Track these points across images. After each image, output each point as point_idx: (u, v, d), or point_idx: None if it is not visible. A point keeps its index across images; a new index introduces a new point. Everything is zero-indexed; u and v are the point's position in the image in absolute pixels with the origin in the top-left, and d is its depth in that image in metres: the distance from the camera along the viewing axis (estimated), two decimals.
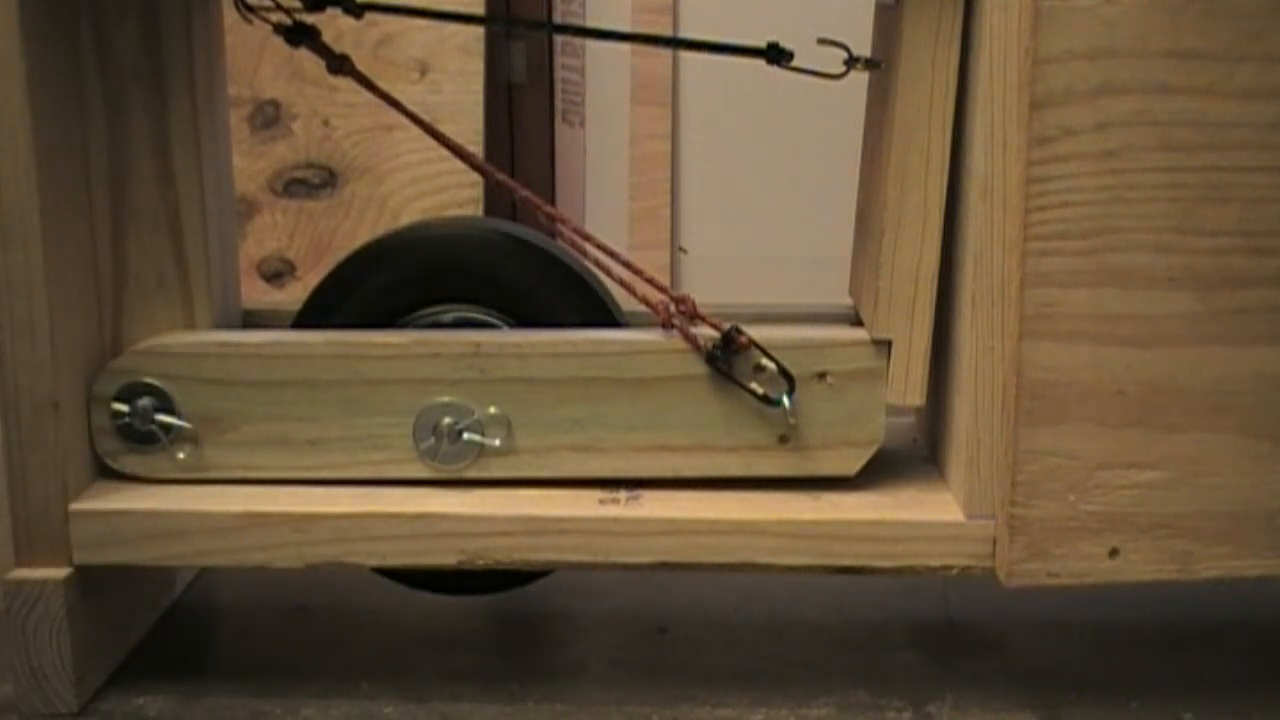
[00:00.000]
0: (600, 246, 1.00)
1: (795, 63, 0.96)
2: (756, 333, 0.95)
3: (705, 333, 0.96)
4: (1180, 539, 0.92)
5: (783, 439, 0.96)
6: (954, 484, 0.96)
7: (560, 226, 1.02)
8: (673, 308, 0.96)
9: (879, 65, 0.96)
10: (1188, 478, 0.91)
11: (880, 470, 1.02)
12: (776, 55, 0.96)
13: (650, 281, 0.99)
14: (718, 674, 1.02)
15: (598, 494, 0.96)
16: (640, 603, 1.13)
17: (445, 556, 0.94)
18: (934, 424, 1.03)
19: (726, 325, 0.95)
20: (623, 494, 0.96)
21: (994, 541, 0.92)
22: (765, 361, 0.95)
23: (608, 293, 1.03)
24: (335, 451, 0.97)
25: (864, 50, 0.98)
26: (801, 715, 0.96)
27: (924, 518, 0.94)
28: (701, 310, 0.96)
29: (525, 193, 1.01)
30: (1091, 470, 0.91)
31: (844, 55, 0.94)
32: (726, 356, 0.94)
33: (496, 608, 1.13)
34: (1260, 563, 0.92)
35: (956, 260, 0.93)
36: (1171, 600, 1.12)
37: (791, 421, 0.96)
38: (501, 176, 1.01)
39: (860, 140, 1.07)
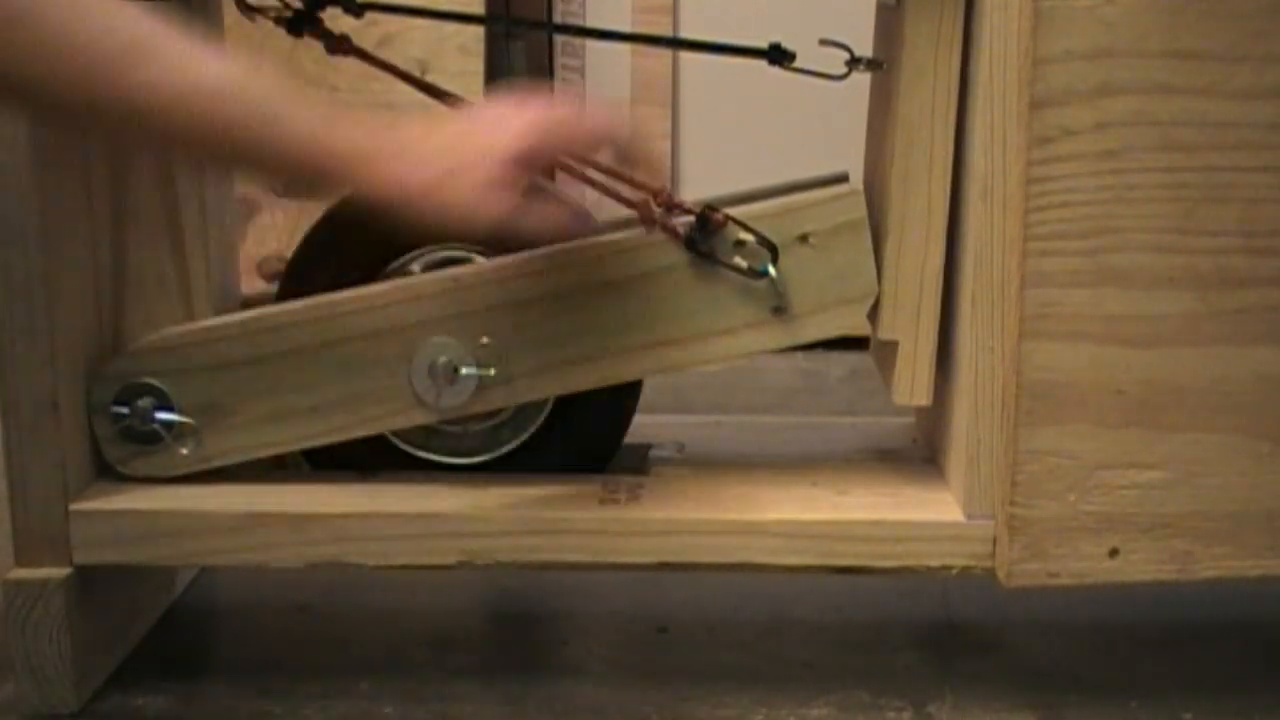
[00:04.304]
0: (584, 161, 0.99)
1: (796, 63, 0.95)
2: (734, 210, 0.94)
3: (685, 220, 0.94)
4: (1180, 539, 0.92)
5: (777, 310, 0.94)
6: (954, 484, 0.96)
7: None
8: (652, 201, 0.94)
9: (881, 66, 0.96)
10: (1188, 478, 0.91)
11: (880, 470, 1.02)
12: (778, 56, 0.96)
13: (630, 181, 0.96)
14: (718, 674, 1.02)
15: (598, 494, 0.96)
16: (640, 603, 1.13)
17: (446, 556, 0.94)
18: (934, 424, 1.03)
19: (699, 208, 0.93)
20: (623, 493, 0.97)
21: (994, 541, 0.92)
22: (744, 235, 0.93)
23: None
24: (337, 414, 0.96)
25: (865, 50, 0.97)
26: (801, 715, 0.96)
27: (924, 518, 0.94)
28: (678, 200, 0.94)
29: None
30: (1091, 470, 0.91)
31: (845, 56, 0.94)
32: (705, 238, 0.92)
33: (496, 608, 1.13)
34: (1260, 563, 0.92)
35: (956, 260, 0.93)
36: (1171, 600, 1.12)
37: (781, 290, 0.94)
38: None
39: (860, 140, 1.07)
